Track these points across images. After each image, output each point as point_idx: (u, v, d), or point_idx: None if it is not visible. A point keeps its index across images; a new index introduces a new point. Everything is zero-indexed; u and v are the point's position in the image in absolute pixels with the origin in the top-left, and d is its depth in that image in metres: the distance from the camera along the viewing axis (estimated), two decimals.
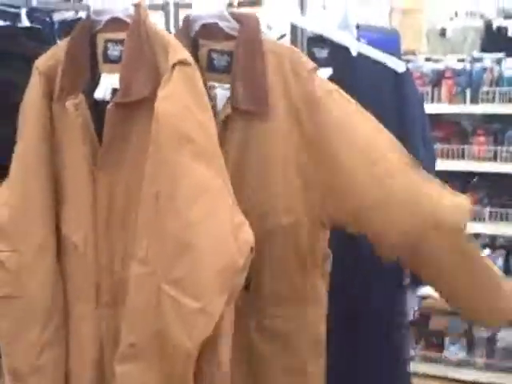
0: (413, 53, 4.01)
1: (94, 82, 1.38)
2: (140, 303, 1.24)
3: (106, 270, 1.38)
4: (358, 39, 2.66)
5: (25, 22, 2.13)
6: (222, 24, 1.38)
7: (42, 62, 1.42)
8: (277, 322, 1.42)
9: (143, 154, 1.27)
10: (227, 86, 1.36)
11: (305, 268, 1.41)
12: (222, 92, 1.37)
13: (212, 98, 1.37)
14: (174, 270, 1.18)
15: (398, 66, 1.78)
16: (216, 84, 1.38)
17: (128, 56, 1.30)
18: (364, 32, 3.16)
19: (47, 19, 2.54)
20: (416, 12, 4.50)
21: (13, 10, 2.11)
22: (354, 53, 1.77)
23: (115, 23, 1.36)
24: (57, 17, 2.60)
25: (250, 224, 1.25)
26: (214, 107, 1.35)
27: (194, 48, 1.39)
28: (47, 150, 1.41)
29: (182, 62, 1.24)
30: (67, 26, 2.59)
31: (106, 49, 1.38)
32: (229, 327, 1.24)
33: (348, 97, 1.40)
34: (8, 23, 2.01)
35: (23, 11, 2.13)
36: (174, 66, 1.23)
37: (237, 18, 1.39)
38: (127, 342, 1.26)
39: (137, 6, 1.33)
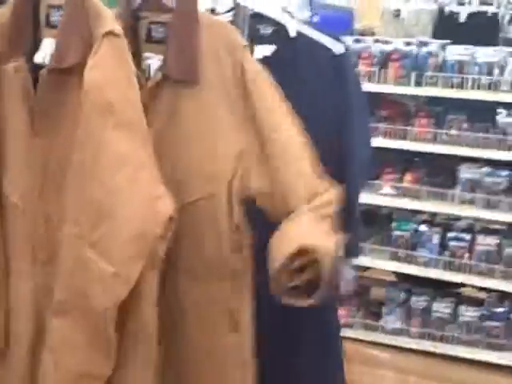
0: (372, 32, 4.06)
1: (37, 46, 1.39)
2: (69, 262, 1.30)
3: (42, 230, 1.41)
4: (311, 15, 2.72)
5: None
6: None
7: None
8: (190, 298, 1.45)
9: (77, 120, 1.30)
10: (162, 56, 1.40)
11: (220, 243, 1.44)
12: (156, 62, 1.41)
13: (146, 68, 1.41)
14: (94, 234, 1.24)
15: (336, 47, 1.83)
16: (152, 54, 1.42)
17: (64, 22, 1.32)
18: (319, 10, 3.22)
19: None
20: None
21: None
22: (291, 33, 1.82)
23: None
24: None
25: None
26: (147, 77, 1.39)
27: (134, 19, 1.43)
28: None
29: (112, 33, 1.27)
30: None
31: (48, 14, 1.39)
32: (153, 290, 1.31)
33: (269, 81, 1.46)
34: None
35: None
36: (103, 36, 1.26)
37: None
38: (58, 297, 1.32)
39: None
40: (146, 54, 1.43)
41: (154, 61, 1.41)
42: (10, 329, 1.50)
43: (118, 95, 1.25)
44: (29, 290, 1.45)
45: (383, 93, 3.33)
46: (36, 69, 1.38)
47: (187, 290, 1.45)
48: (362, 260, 3.14)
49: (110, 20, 1.31)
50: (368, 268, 3.53)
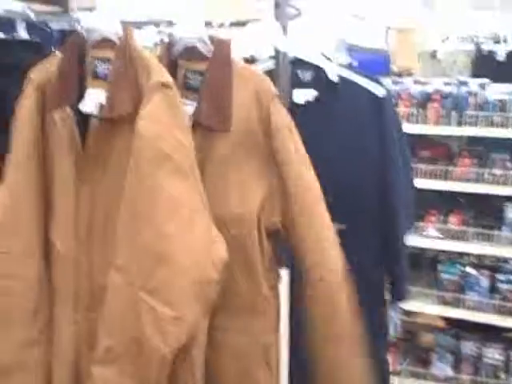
0: (408, 73, 4.06)
1: (82, 96, 1.42)
2: (117, 309, 1.29)
3: (86, 277, 1.43)
4: (351, 61, 2.73)
5: (21, 34, 2.18)
6: (200, 46, 1.46)
7: (36, 74, 1.48)
8: (227, 335, 1.46)
9: (124, 168, 1.32)
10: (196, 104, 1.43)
11: (254, 279, 1.46)
12: (191, 109, 1.44)
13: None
14: (150, 280, 1.24)
15: (378, 90, 1.83)
16: (188, 101, 1.45)
17: (113, 75, 1.36)
18: (356, 53, 3.24)
19: (47, 29, 2.60)
20: (411, 32, 4.55)
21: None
22: (332, 77, 1.83)
23: (104, 42, 1.42)
24: (55, 26, 2.65)
25: None
26: None
27: (173, 68, 1.47)
28: (38, 160, 1.47)
29: (164, 84, 1.30)
30: (65, 36, 2.66)
31: (94, 66, 1.43)
32: (204, 336, 1.32)
33: (295, 136, 1.49)
34: (4, 35, 2.06)
35: (18, 23, 2.18)
36: (155, 87, 1.29)
37: (213, 41, 1.47)
38: (104, 345, 1.31)
39: (125, 28, 1.40)
40: (184, 100, 1.45)
41: (188, 107, 1.44)
42: (53, 376, 1.51)
43: (172, 144, 1.27)
44: (71, 335, 1.47)
45: (423, 134, 3.30)
46: (81, 118, 1.42)
47: (221, 326, 1.45)
48: (409, 304, 3.06)
49: (160, 71, 1.34)
50: (415, 313, 3.44)
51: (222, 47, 1.45)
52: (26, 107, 1.46)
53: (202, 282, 1.24)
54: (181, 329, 1.23)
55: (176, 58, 1.49)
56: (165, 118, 1.28)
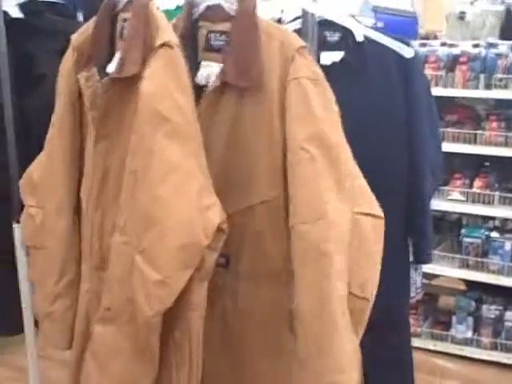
0: (434, 36, 3.99)
1: (111, 58, 1.44)
2: (117, 270, 1.32)
3: (97, 236, 1.47)
4: (375, 22, 2.70)
5: None
6: (224, 5, 1.43)
7: (75, 37, 1.51)
8: (251, 303, 1.44)
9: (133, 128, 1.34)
10: (221, 64, 1.39)
11: (282, 246, 1.38)
12: (216, 70, 1.40)
13: (207, 76, 1.41)
14: (142, 241, 1.25)
15: (406, 51, 1.81)
16: (211, 63, 1.42)
17: (128, 34, 1.37)
18: (381, 14, 3.19)
19: None
20: None
21: None
22: (358, 38, 1.82)
23: (131, 3, 1.41)
24: None
25: (232, 200, 1.32)
26: (205, 85, 1.40)
27: (193, 29, 1.45)
28: (74, 119, 1.52)
29: (166, 44, 1.29)
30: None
31: (122, 27, 1.44)
32: (201, 302, 1.30)
33: (324, 93, 1.35)
34: None
35: None
36: (158, 47, 1.29)
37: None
38: (104, 305, 1.35)
39: None
40: (205, 63, 1.43)
41: (213, 69, 1.42)
42: (75, 327, 1.58)
43: (171, 105, 1.26)
44: (84, 293, 1.53)
45: (451, 97, 3.26)
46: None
47: (248, 294, 1.44)
48: (431, 267, 3.08)
49: (166, 31, 1.33)
50: (436, 276, 3.45)
51: (246, 5, 1.40)
52: (65, 69, 1.51)
53: (191, 247, 1.22)
54: (164, 292, 1.22)
55: (197, 19, 1.47)
56: (165, 80, 1.27)
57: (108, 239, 1.42)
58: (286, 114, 1.33)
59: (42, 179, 1.57)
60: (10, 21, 1.79)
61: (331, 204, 1.29)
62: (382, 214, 1.39)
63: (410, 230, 2.09)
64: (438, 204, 3.13)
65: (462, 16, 3.68)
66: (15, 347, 3.18)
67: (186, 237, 1.22)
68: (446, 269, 3.35)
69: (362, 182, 1.40)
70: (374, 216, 1.37)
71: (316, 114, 1.31)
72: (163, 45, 1.29)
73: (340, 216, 1.30)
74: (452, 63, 3.20)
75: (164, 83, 1.27)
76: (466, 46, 3.24)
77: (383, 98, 1.88)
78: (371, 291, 1.36)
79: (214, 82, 1.38)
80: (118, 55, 1.42)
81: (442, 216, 3.46)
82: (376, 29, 2.16)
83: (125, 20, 1.44)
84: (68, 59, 1.51)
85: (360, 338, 1.37)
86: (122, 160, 1.37)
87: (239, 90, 1.37)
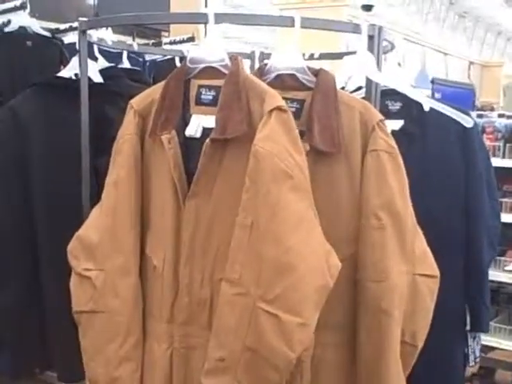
0: (491, 107, 4.03)
1: (184, 121, 1.54)
2: (231, 321, 1.35)
3: (185, 291, 1.49)
4: (433, 93, 2.77)
5: (126, 64, 2.35)
6: (299, 75, 1.54)
7: (136, 102, 1.58)
8: (325, 352, 1.51)
9: (229, 185, 1.43)
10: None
11: (348, 299, 1.52)
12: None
13: None
14: (273, 290, 1.31)
15: (466, 121, 1.86)
16: None
17: (225, 100, 1.45)
18: (439, 86, 3.26)
19: (140, 59, 2.78)
20: (495, 66, 4.53)
21: (113, 51, 2.33)
22: (426, 108, 1.88)
23: (209, 71, 1.53)
24: (147, 57, 2.84)
25: None
26: None
27: None
28: (137, 179, 1.56)
29: (279, 108, 1.39)
30: (156, 66, 2.83)
31: (198, 93, 1.54)
32: (312, 341, 1.39)
33: (398, 164, 1.50)
34: (111, 64, 2.22)
35: (125, 54, 2.34)
36: (271, 111, 1.38)
37: (314, 72, 1.55)
38: (216, 356, 1.37)
39: (234, 58, 1.50)
40: None
41: None
42: None
43: (291, 163, 1.35)
44: (164, 350, 1.53)
45: (509, 167, 3.27)
46: (184, 141, 1.52)
47: (323, 344, 1.50)
48: (486, 339, 3.01)
49: (276, 96, 1.42)
50: (492, 348, 3.36)
51: (325, 77, 1.52)
52: (127, 131, 1.55)
53: (322, 289, 1.32)
54: (305, 334, 1.31)
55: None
56: (282, 140, 1.37)
57: (197, 294, 1.48)
58: (363, 181, 1.48)
59: (104, 239, 1.53)
60: (91, 85, 1.90)
61: (394, 268, 1.47)
62: (438, 273, 1.55)
63: (468, 298, 2.08)
64: (494, 275, 3.09)
65: None
66: None
67: (319, 280, 1.32)
68: (502, 341, 3.27)
69: (423, 246, 1.55)
70: (430, 276, 1.54)
71: (390, 185, 1.47)
72: (276, 109, 1.38)
73: (400, 278, 1.48)
74: (510, 134, 3.23)
75: (283, 143, 1.37)
76: None
77: (442, 164, 1.92)
78: (421, 339, 1.56)
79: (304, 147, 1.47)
80: (196, 119, 1.52)
81: (498, 287, 3.40)
82: (434, 99, 2.22)
83: (201, 86, 1.53)
84: (129, 122, 1.56)
85: None
86: (211, 217, 1.47)
87: (319, 154, 1.48)
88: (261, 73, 1.57)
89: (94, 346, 1.55)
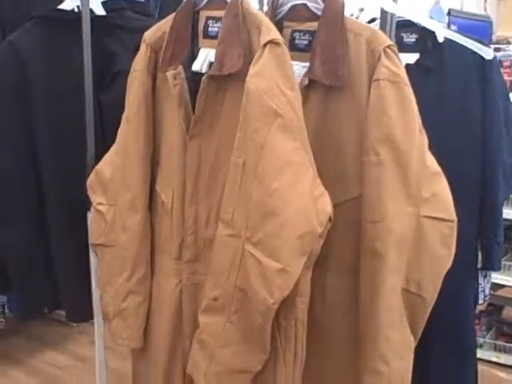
0: (507, 41, 3.90)
1: (193, 55, 1.48)
2: (224, 261, 1.33)
3: (191, 229, 1.48)
4: (449, 25, 2.67)
5: None
6: (310, 4, 1.45)
7: (149, 35, 1.53)
8: (336, 294, 1.46)
9: (232, 123, 1.35)
10: (307, 64, 1.41)
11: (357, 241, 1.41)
12: (301, 69, 1.42)
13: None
14: (257, 233, 1.27)
15: (485, 52, 1.79)
16: (296, 62, 1.42)
17: (224, 33, 1.38)
18: (455, 18, 3.15)
19: None
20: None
21: None
22: (440, 39, 1.81)
23: (217, 2, 1.45)
24: None
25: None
26: None
27: (278, 30, 1.43)
28: (147, 116, 1.53)
29: (273, 42, 1.30)
30: None
31: (206, 25, 1.47)
32: (307, 288, 1.34)
33: (403, 95, 1.35)
34: None
35: None
36: (265, 44, 1.30)
37: None
38: (211, 295, 1.36)
39: None
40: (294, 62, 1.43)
41: (297, 67, 1.43)
42: (151, 324, 1.59)
43: (282, 101, 1.28)
44: (173, 286, 1.53)
45: None
46: (192, 76, 1.47)
47: (334, 286, 1.46)
48: (496, 277, 3.00)
49: (271, 29, 1.34)
50: (501, 286, 3.37)
51: (334, 4, 1.41)
52: (139, 66, 1.53)
53: (307, 235, 1.25)
54: (285, 280, 1.25)
55: (281, 19, 1.49)
56: (274, 76, 1.29)
57: (202, 233, 1.46)
58: (366, 116, 1.36)
59: (115, 176, 1.57)
60: (93, 18, 1.84)
61: (393, 208, 1.33)
62: (455, 218, 1.39)
63: (481, 235, 2.06)
64: (507, 212, 3.05)
65: None
66: (75, 336, 3.35)
67: (303, 226, 1.25)
68: (511, 279, 3.27)
69: (439, 188, 1.40)
70: (442, 220, 1.38)
71: (389, 116, 1.33)
72: (269, 42, 1.30)
73: (400, 220, 1.34)
74: None
75: (274, 80, 1.29)
76: None
77: (459, 97, 1.86)
78: (429, 290, 1.40)
79: (301, 81, 1.39)
80: (204, 53, 1.46)
81: (510, 225, 3.38)
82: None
83: (210, 18, 1.47)
84: (142, 56, 1.52)
85: (419, 334, 1.44)
86: (216, 156, 1.42)
87: (326, 88, 1.39)
88: (273, 7, 1.50)
89: (105, 278, 1.61)
